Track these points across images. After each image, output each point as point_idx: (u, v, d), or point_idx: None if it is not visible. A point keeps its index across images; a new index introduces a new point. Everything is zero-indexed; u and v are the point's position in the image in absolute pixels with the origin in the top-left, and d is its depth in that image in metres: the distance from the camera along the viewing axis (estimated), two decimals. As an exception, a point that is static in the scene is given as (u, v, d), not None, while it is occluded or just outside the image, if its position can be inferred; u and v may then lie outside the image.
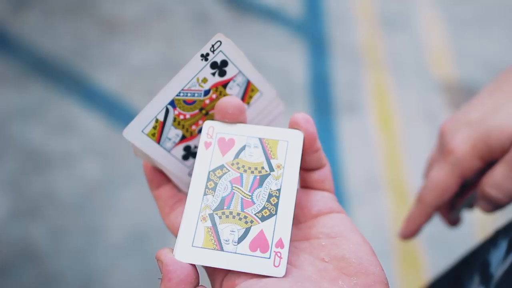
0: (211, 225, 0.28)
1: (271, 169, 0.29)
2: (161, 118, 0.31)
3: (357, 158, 1.54)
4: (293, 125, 0.30)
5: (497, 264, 0.35)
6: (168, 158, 0.31)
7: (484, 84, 1.54)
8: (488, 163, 0.39)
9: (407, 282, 1.29)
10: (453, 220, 0.47)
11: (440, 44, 1.93)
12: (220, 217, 0.28)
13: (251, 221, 0.28)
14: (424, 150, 1.56)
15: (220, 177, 0.29)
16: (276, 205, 0.28)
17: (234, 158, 0.30)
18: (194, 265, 0.27)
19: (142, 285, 1.23)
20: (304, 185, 0.31)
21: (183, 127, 0.31)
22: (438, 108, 1.71)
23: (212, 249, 0.27)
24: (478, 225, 1.35)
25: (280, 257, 0.27)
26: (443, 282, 0.46)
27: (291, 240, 0.29)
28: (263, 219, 0.28)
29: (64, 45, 1.78)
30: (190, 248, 0.27)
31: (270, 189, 0.29)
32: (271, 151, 0.30)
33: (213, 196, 0.29)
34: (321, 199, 0.30)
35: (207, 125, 0.31)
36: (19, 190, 1.39)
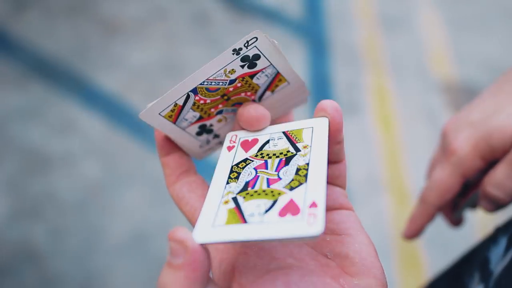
0: (234, 205, 0.25)
1: (297, 150, 0.28)
2: (180, 102, 0.29)
3: (357, 158, 1.54)
4: (319, 111, 0.29)
5: (497, 260, 0.35)
6: (181, 134, 0.31)
7: (483, 84, 1.55)
8: (490, 162, 0.39)
9: (407, 282, 1.29)
10: (456, 220, 0.47)
11: (440, 45, 1.93)
12: (243, 197, 0.26)
13: (278, 193, 0.25)
14: (424, 150, 1.56)
15: (243, 168, 0.28)
16: (305, 176, 0.26)
17: (258, 151, 0.29)
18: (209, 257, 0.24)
19: (142, 285, 1.22)
20: None
21: (201, 110, 0.31)
22: (438, 108, 1.71)
23: (235, 224, 0.24)
24: (478, 225, 1.35)
25: (315, 215, 0.23)
26: (443, 280, 0.46)
27: (326, 204, 0.27)
28: (292, 189, 0.25)
29: (65, 46, 1.78)
30: (210, 228, 0.25)
31: (298, 165, 0.27)
32: (296, 137, 0.29)
33: (236, 182, 0.27)
34: (332, 194, 0.29)
35: (230, 134, 0.31)
36: (19, 191, 1.39)
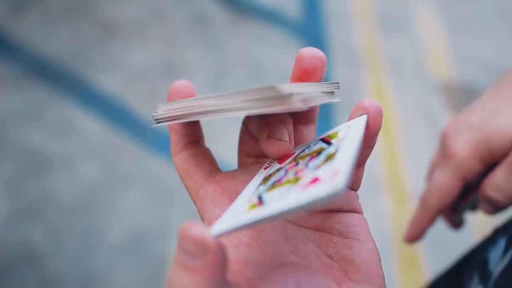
0: (257, 200, 0.23)
1: (329, 144, 0.26)
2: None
3: (357, 159, 1.54)
4: (359, 110, 0.27)
5: (496, 261, 0.35)
6: None
7: (482, 85, 1.55)
8: (490, 165, 0.40)
9: (406, 283, 1.29)
10: (457, 223, 0.48)
11: (439, 45, 1.93)
12: (267, 190, 0.24)
13: (302, 176, 0.23)
14: (423, 151, 1.56)
15: (275, 174, 0.26)
16: (333, 156, 0.23)
17: (293, 159, 0.27)
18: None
19: (142, 285, 1.22)
20: None
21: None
22: (437, 108, 1.71)
23: (252, 209, 0.22)
24: (477, 226, 1.36)
25: (337, 172, 0.20)
26: (443, 281, 0.46)
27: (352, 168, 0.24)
28: (317, 168, 0.23)
29: (64, 47, 1.78)
30: (230, 219, 0.22)
31: (328, 153, 0.24)
32: (331, 138, 0.27)
33: (265, 184, 0.25)
34: (346, 195, 0.28)
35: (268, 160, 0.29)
36: (18, 192, 1.39)
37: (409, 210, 1.42)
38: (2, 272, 1.24)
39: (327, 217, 0.27)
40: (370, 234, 0.27)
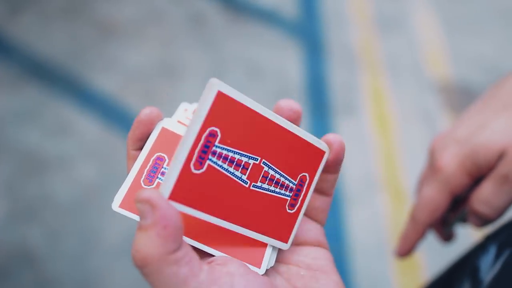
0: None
1: None
2: None
3: (354, 159, 1.54)
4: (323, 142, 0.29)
5: (487, 269, 0.35)
6: None
7: (479, 84, 1.55)
8: (477, 179, 0.40)
9: (403, 283, 1.29)
10: (447, 236, 0.48)
11: (436, 45, 1.93)
12: None
13: None
14: (421, 151, 1.56)
15: None
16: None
17: None
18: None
19: (139, 286, 1.22)
20: None
21: None
22: (434, 108, 1.71)
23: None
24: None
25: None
26: (434, 287, 0.46)
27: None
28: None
29: (60, 48, 1.78)
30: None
31: None
32: None
33: None
34: (312, 230, 0.29)
35: None
36: (15, 193, 1.39)
37: (406, 209, 1.43)
38: (-1, 273, 1.24)
39: (293, 251, 0.28)
40: (335, 268, 0.28)
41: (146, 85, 1.69)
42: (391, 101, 1.73)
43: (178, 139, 0.30)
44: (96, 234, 1.32)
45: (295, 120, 0.29)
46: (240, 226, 0.26)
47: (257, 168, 0.26)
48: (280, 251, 0.29)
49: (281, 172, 0.27)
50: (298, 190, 0.28)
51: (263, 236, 0.27)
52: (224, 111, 0.25)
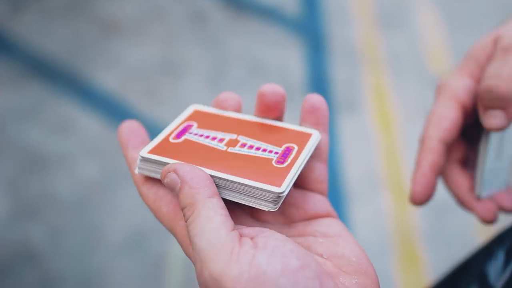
0: None
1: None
2: None
3: (356, 156, 1.54)
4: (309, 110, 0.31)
5: (496, 275, 0.34)
6: None
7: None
8: (475, 120, 0.38)
9: (406, 280, 1.29)
10: (485, 206, 0.38)
11: (438, 42, 1.93)
12: None
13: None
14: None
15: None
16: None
17: None
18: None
19: (141, 285, 1.22)
20: (301, 183, 0.31)
21: None
22: (437, 105, 1.70)
23: None
24: (477, 224, 1.35)
25: None
26: None
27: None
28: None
29: (62, 45, 1.78)
30: None
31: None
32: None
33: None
34: (319, 202, 0.30)
35: None
36: (17, 191, 1.39)
37: (409, 207, 1.42)
38: (1, 271, 1.24)
39: (307, 224, 0.29)
40: (350, 233, 0.28)
41: (147, 82, 1.69)
42: (394, 98, 1.73)
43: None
44: (98, 231, 1.32)
45: (281, 103, 0.31)
46: (226, 173, 0.27)
47: (234, 140, 0.30)
48: (288, 228, 0.29)
49: (262, 143, 0.29)
50: (286, 154, 0.29)
51: (253, 181, 0.27)
52: (201, 116, 0.32)
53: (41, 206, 1.36)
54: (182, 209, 0.25)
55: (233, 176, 0.27)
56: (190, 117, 0.32)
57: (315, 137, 0.30)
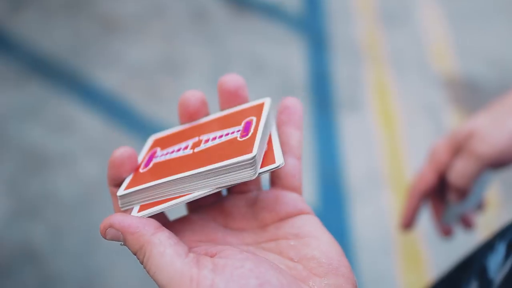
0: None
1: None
2: None
3: (358, 154, 1.53)
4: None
5: (496, 269, 0.34)
6: None
7: (485, 79, 1.54)
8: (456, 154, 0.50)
9: (408, 278, 1.28)
10: (445, 230, 0.56)
11: (441, 39, 1.92)
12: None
13: None
14: (425, 146, 1.55)
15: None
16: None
17: None
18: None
19: (141, 285, 1.22)
20: (274, 179, 0.31)
21: None
22: (439, 102, 1.70)
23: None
24: (480, 223, 1.35)
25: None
26: (440, 287, 0.45)
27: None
28: None
29: (62, 44, 1.78)
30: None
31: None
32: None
33: None
34: (290, 201, 0.29)
35: None
36: (18, 190, 1.38)
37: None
38: (2, 270, 1.24)
39: (279, 226, 0.29)
40: (324, 228, 0.28)
41: (148, 80, 1.68)
42: (396, 95, 1.72)
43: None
44: (99, 231, 1.32)
45: (242, 87, 0.33)
46: (200, 167, 0.28)
47: (197, 142, 0.31)
48: (261, 232, 0.30)
49: (223, 130, 0.31)
50: (247, 127, 0.30)
51: (226, 161, 0.27)
52: (162, 141, 0.34)
53: (42, 206, 1.36)
54: (135, 254, 0.26)
55: (208, 166, 0.27)
56: (152, 146, 0.34)
57: (268, 102, 0.32)
